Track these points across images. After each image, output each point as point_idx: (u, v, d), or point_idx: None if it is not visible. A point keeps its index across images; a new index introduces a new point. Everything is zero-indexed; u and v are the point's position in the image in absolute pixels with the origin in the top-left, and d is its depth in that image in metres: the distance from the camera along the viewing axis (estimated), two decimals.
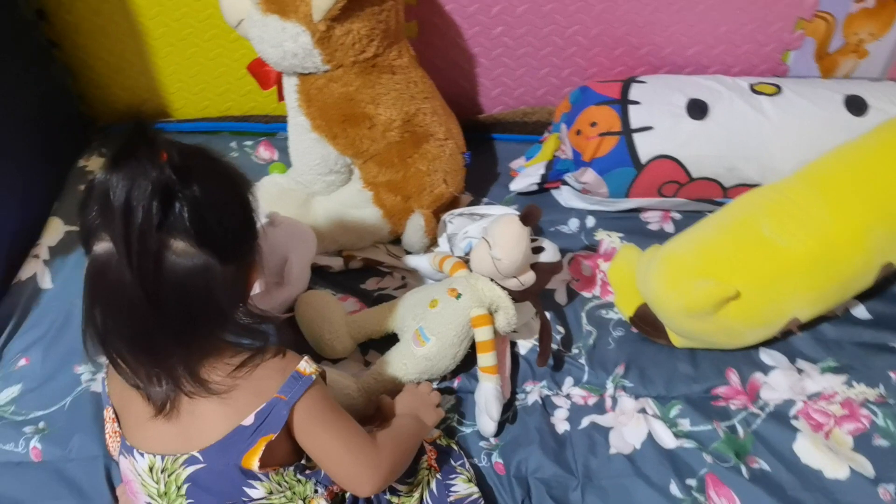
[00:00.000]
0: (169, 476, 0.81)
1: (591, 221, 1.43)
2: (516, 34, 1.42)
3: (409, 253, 1.34)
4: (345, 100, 1.17)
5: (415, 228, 1.28)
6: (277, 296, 1.21)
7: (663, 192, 1.37)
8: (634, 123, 1.32)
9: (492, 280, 1.12)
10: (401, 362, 1.13)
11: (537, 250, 1.12)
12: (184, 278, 0.71)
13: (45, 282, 1.35)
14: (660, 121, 1.32)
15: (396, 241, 1.36)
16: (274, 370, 0.81)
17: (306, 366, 0.83)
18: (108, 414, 0.88)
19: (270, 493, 0.84)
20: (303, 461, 0.89)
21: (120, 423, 0.85)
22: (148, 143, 0.68)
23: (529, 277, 1.11)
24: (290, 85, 1.21)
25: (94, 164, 1.53)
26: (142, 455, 0.82)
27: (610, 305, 1.29)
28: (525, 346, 1.23)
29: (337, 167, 1.26)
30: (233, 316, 0.79)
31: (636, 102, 1.34)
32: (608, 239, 1.39)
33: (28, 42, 1.46)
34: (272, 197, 1.31)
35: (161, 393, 0.78)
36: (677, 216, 1.43)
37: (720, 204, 1.38)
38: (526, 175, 1.46)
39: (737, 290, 1.10)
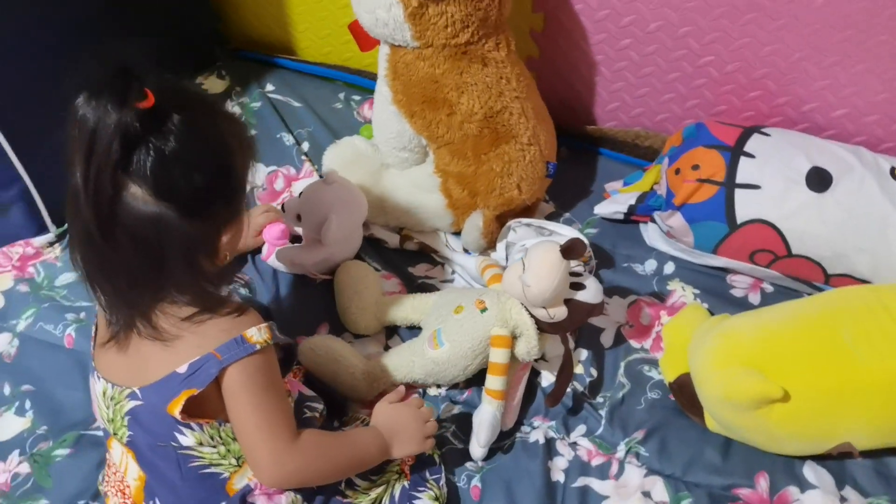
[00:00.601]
0: (116, 405, 0.83)
1: (669, 268, 1.31)
2: (644, 51, 1.31)
3: (465, 250, 1.30)
4: (429, 80, 1.13)
5: (471, 227, 1.23)
6: (315, 253, 1.20)
7: (755, 260, 1.23)
8: (741, 178, 1.19)
9: (522, 304, 1.05)
10: (410, 359, 1.10)
11: (577, 286, 1.03)
12: (136, 224, 0.72)
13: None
14: (771, 182, 1.18)
15: (458, 233, 1.31)
16: (221, 328, 0.81)
17: (256, 333, 0.81)
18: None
19: (200, 443, 0.84)
20: None
21: (95, 338, 0.89)
22: (127, 83, 0.68)
23: (560, 312, 1.03)
24: (383, 53, 1.18)
25: (210, 83, 1.59)
26: (98, 378, 0.85)
27: (655, 363, 1.18)
28: (548, 378, 1.15)
29: (411, 145, 1.23)
30: (188, 269, 0.78)
31: (750, 155, 1.20)
32: (681, 292, 1.27)
33: None
34: (345, 159, 1.30)
35: (116, 322, 0.80)
36: (769, 288, 1.28)
37: (818, 289, 1.23)
38: (615, 201, 1.35)
39: (786, 393, 0.97)
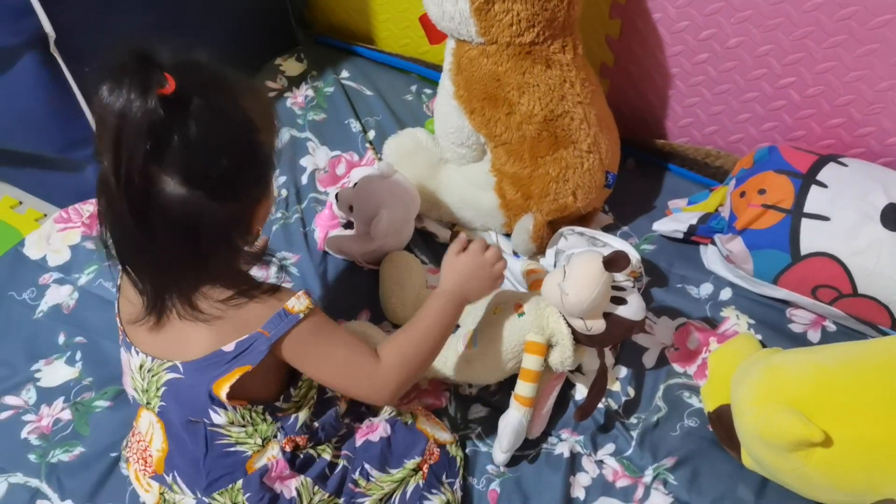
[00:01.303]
0: (152, 377, 0.85)
1: (726, 294, 1.26)
2: (722, 67, 1.26)
3: (515, 252, 1.28)
4: (491, 78, 1.11)
5: (521, 229, 1.21)
6: (364, 244, 1.21)
7: (818, 295, 1.16)
8: (810, 207, 1.13)
9: (561, 313, 1.03)
10: (443, 354, 1.08)
11: (618, 301, 1.00)
12: (169, 211, 0.72)
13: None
14: (842, 214, 1.11)
15: (509, 235, 1.29)
16: (263, 306, 0.82)
17: (296, 303, 0.83)
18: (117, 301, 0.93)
19: (231, 423, 0.86)
20: (278, 403, 0.89)
21: (120, 314, 0.90)
22: (147, 69, 0.67)
23: (598, 325, 1.01)
24: (449, 47, 1.17)
25: (288, 66, 1.62)
26: (137, 353, 0.86)
27: (696, 390, 1.14)
28: (583, 392, 1.13)
29: (469, 142, 1.22)
30: (224, 250, 0.79)
31: (822, 184, 1.14)
32: (735, 320, 1.22)
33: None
34: (405, 150, 1.30)
35: (153, 304, 0.81)
36: (831, 327, 1.21)
37: (884, 333, 1.15)
38: (676, 219, 1.31)
39: (828, 439, 0.91)
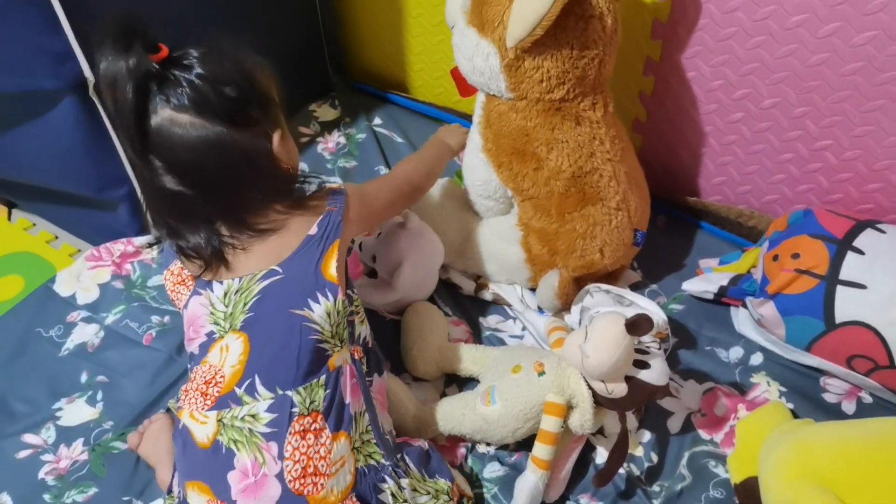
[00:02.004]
0: (240, 295, 0.89)
1: (757, 359, 1.22)
2: (757, 127, 1.24)
3: (539, 308, 1.26)
4: (520, 133, 1.11)
5: (546, 285, 1.19)
6: (386, 294, 1.20)
7: (853, 365, 1.12)
8: (846, 274, 1.09)
9: (581, 374, 1.01)
10: (461, 411, 1.07)
11: (641, 365, 0.98)
12: (197, 152, 0.83)
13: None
14: (880, 283, 1.07)
15: (535, 289, 1.27)
16: (317, 195, 0.95)
17: (333, 183, 1.00)
18: (174, 268, 0.98)
19: (327, 314, 0.89)
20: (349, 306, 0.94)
21: (181, 276, 0.96)
22: (127, 31, 0.78)
23: (620, 389, 0.98)
24: (479, 101, 1.17)
25: (322, 111, 1.64)
26: (220, 283, 0.90)
27: (723, 459, 1.10)
28: (604, 455, 1.09)
29: (496, 195, 1.21)
30: (258, 177, 0.89)
31: (859, 251, 1.10)
32: (766, 387, 1.18)
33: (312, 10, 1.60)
34: (434, 198, 1.30)
35: (212, 253, 0.89)
36: (867, 399, 1.16)
37: None
38: (706, 279, 1.28)
39: None
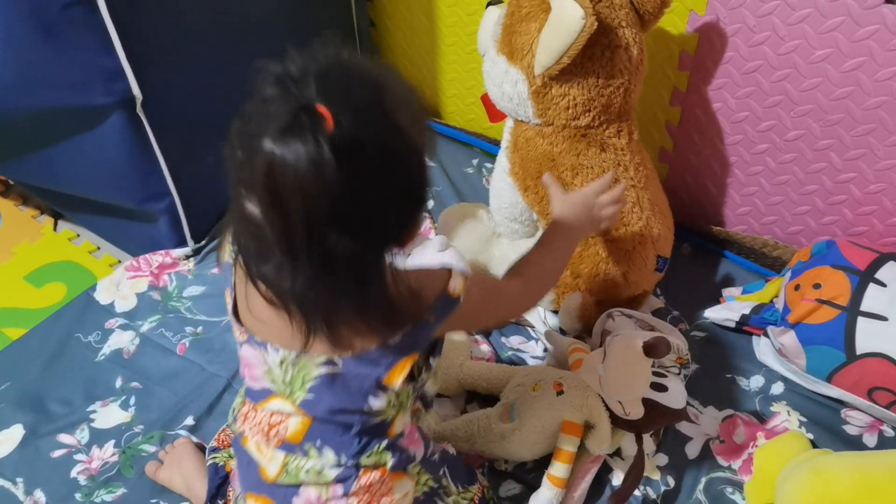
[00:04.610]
0: (298, 370, 0.81)
1: (777, 388, 1.22)
2: (782, 158, 1.26)
3: (562, 330, 1.28)
4: (546, 158, 1.14)
5: (568, 308, 1.21)
6: None
7: (874, 398, 1.12)
8: (867, 306, 1.10)
9: (600, 395, 1.02)
10: (480, 427, 1.09)
11: (658, 387, 0.99)
12: (334, 261, 0.68)
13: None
14: None
15: (557, 312, 1.29)
16: (424, 283, 0.78)
17: (455, 284, 0.80)
18: (228, 297, 0.87)
19: (389, 403, 0.83)
20: (421, 376, 0.87)
21: (237, 310, 0.85)
22: (313, 117, 0.62)
23: (637, 410, 0.99)
24: (507, 126, 1.21)
25: None
26: (276, 350, 0.81)
27: (740, 487, 1.10)
28: (620, 477, 1.10)
29: (522, 218, 1.24)
30: (381, 285, 0.73)
31: (881, 283, 1.11)
32: (786, 416, 1.18)
33: (349, 18, 1.65)
34: (461, 221, 1.33)
35: (307, 334, 0.75)
36: (889, 432, 1.16)
37: None
38: (729, 308, 1.29)
39: None
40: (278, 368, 0.82)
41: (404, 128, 0.68)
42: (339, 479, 0.84)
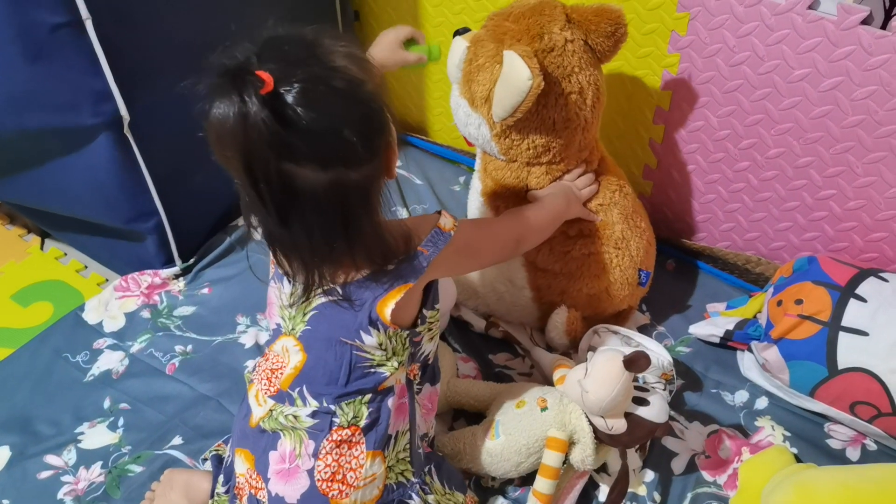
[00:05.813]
0: (301, 303, 0.88)
1: (761, 403, 1.23)
2: (763, 175, 1.27)
3: (548, 346, 1.29)
4: (515, 186, 1.17)
5: (554, 323, 1.22)
6: None
7: (857, 412, 1.13)
8: (848, 321, 1.11)
9: (583, 410, 1.03)
10: (465, 444, 1.09)
11: (640, 401, 1.00)
12: (318, 196, 0.74)
13: (257, 234, 1.54)
14: (881, 331, 1.09)
15: (543, 329, 1.30)
16: (418, 224, 0.88)
17: (446, 220, 0.90)
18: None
19: (379, 345, 0.87)
20: (418, 328, 0.90)
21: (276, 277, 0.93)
22: (242, 79, 0.67)
23: (619, 425, 1.00)
24: (478, 151, 1.24)
25: None
26: (290, 283, 0.88)
27: (726, 501, 1.11)
28: (606, 492, 1.11)
29: None
30: (368, 210, 0.79)
31: (862, 299, 1.12)
32: (770, 431, 1.19)
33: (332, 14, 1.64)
34: None
35: (307, 286, 0.84)
36: (872, 446, 1.17)
37: None
38: (713, 323, 1.30)
39: None
40: (288, 300, 0.89)
41: (341, 67, 0.73)
42: (313, 431, 0.89)
